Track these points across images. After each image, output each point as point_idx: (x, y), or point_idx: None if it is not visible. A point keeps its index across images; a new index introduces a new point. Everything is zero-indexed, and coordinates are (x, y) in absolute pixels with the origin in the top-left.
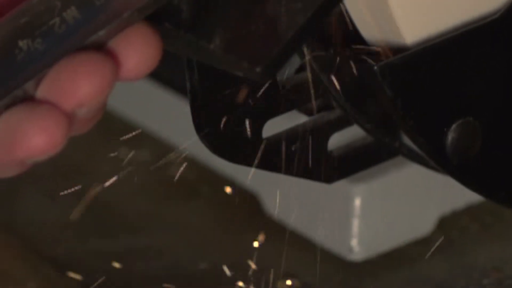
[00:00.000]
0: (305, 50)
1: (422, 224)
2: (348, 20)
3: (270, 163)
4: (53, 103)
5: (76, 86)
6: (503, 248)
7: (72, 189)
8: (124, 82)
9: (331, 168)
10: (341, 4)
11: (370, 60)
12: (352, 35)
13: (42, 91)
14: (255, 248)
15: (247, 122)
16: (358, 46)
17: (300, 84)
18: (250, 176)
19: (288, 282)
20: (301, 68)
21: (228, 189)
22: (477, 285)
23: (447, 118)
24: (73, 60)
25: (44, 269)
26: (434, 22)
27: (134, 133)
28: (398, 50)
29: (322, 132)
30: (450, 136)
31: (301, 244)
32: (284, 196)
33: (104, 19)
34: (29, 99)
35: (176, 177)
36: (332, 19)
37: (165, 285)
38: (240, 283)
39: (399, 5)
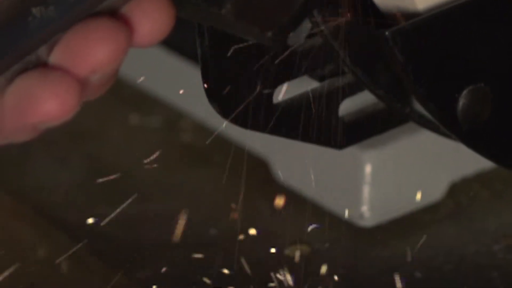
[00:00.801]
0: (316, 15)
1: (433, 190)
2: None
3: (280, 129)
4: (66, 69)
5: (90, 52)
6: None
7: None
8: (136, 48)
9: (342, 134)
10: None
11: (381, 26)
12: (364, 0)
13: (55, 57)
14: (265, 214)
15: (258, 88)
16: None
17: (311, 49)
18: (260, 142)
19: (298, 248)
20: (312, 34)
21: None
22: (487, 251)
23: (458, 84)
24: (86, 26)
25: (55, 235)
26: None
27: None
28: (410, 15)
29: (333, 97)
30: (461, 102)
31: (311, 210)
32: (294, 162)
33: None
34: (42, 65)
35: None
36: None
37: None
38: (250, 249)
39: None
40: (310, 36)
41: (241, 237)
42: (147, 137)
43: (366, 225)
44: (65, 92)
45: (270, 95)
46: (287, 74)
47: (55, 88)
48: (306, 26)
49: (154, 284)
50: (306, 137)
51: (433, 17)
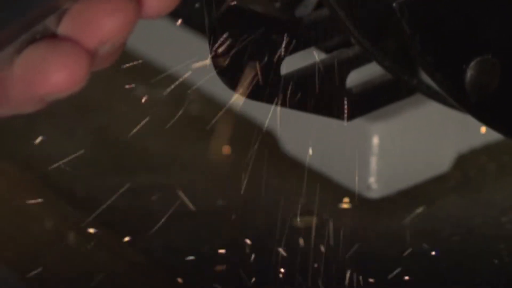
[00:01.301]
0: None
1: (440, 162)
2: None
3: (288, 100)
4: (75, 40)
5: (99, 23)
6: None
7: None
8: (144, 20)
9: (349, 105)
10: None
11: None
12: None
13: (64, 28)
14: (273, 186)
15: (265, 59)
16: None
17: (318, 20)
18: (267, 114)
19: (305, 219)
20: (319, 5)
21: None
22: (494, 223)
23: (466, 55)
24: None
25: (61, 206)
26: None
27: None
28: None
29: (340, 69)
30: (469, 73)
31: (319, 182)
32: (301, 133)
33: None
34: (50, 35)
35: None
36: None
37: None
38: (258, 220)
39: None
40: (317, 7)
41: (248, 208)
42: (154, 109)
43: (374, 196)
44: (74, 63)
45: (278, 67)
46: (294, 45)
47: (64, 59)
48: None
49: (162, 255)
50: (313, 109)
51: None
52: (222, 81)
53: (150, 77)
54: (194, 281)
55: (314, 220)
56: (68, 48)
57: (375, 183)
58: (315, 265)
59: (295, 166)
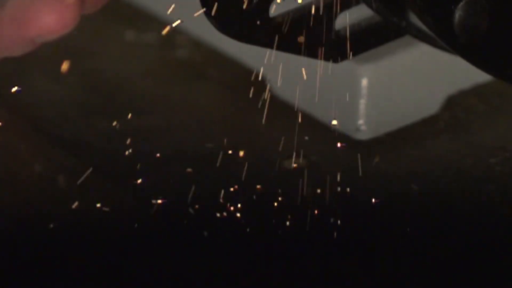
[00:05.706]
0: None
1: (429, 104)
2: None
3: (277, 43)
4: None
5: None
6: (510, 127)
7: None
8: None
9: (338, 47)
10: None
11: None
12: None
13: None
14: (262, 128)
15: (254, 1)
16: None
17: None
18: (256, 56)
19: (295, 161)
20: None
21: None
22: (484, 164)
23: None
24: None
25: (51, 149)
26: None
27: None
28: None
29: (329, 11)
30: (458, 14)
31: (308, 124)
32: (291, 75)
33: None
34: None
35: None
36: None
37: None
38: (247, 163)
39: None
40: None
41: (238, 151)
42: (143, 53)
43: (363, 138)
44: (65, 5)
45: (266, 9)
46: None
47: (55, 1)
48: None
49: (150, 197)
50: (302, 51)
51: None
52: (211, 23)
53: (139, 21)
54: (182, 224)
55: (303, 163)
56: None
57: (364, 125)
58: (304, 207)
59: (284, 109)
